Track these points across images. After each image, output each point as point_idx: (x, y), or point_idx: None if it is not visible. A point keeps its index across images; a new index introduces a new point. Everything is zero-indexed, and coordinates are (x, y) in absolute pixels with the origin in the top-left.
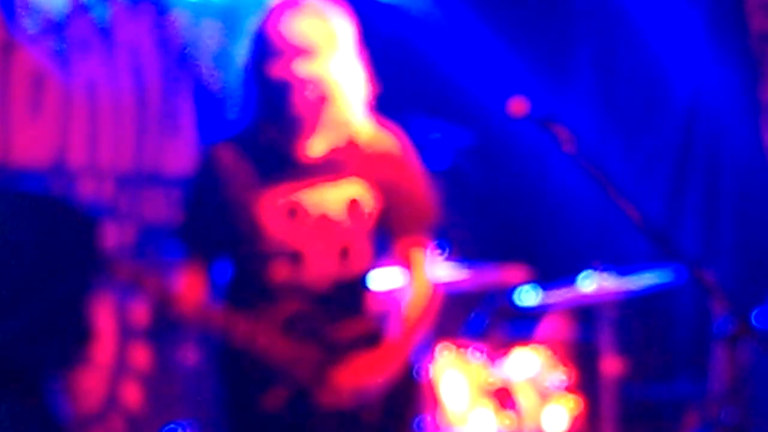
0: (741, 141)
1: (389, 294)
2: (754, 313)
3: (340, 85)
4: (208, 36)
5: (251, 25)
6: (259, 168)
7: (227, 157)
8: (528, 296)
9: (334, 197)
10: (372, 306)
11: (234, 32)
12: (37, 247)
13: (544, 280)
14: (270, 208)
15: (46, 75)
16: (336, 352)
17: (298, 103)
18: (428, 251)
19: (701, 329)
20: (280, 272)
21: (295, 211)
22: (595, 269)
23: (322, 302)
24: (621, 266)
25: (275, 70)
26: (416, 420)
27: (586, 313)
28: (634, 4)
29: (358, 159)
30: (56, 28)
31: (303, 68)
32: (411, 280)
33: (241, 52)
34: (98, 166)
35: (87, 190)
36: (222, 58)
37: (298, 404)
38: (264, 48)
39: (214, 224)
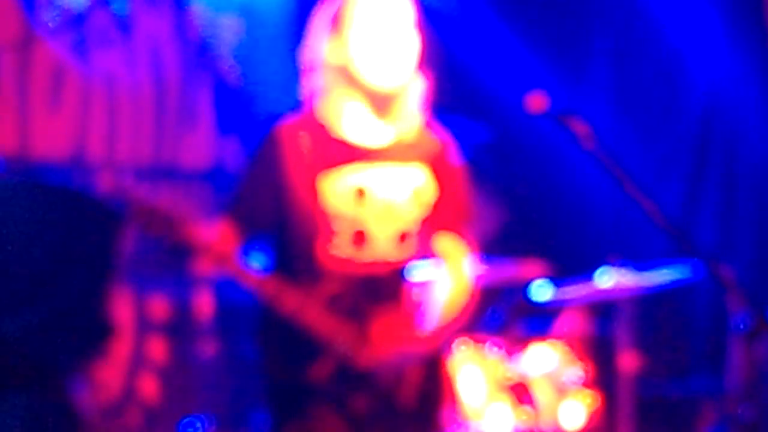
0: (759, 137)
1: (424, 285)
2: None
3: (409, 77)
4: (227, 30)
5: (326, 11)
6: (327, 149)
7: (292, 137)
8: (542, 291)
9: (401, 182)
10: (409, 292)
11: (253, 27)
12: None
13: (562, 275)
14: (337, 189)
15: (66, 68)
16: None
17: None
18: (468, 247)
19: (718, 326)
20: (341, 252)
21: (362, 192)
22: (613, 265)
23: (370, 284)
24: (638, 262)
25: (351, 59)
26: (446, 410)
27: (603, 309)
28: (653, 1)
29: (422, 148)
30: (76, 21)
31: (386, 55)
32: (449, 272)
33: (312, 36)
34: (117, 159)
35: (105, 183)
36: (241, 52)
37: (342, 377)
38: (343, 37)
39: (268, 206)
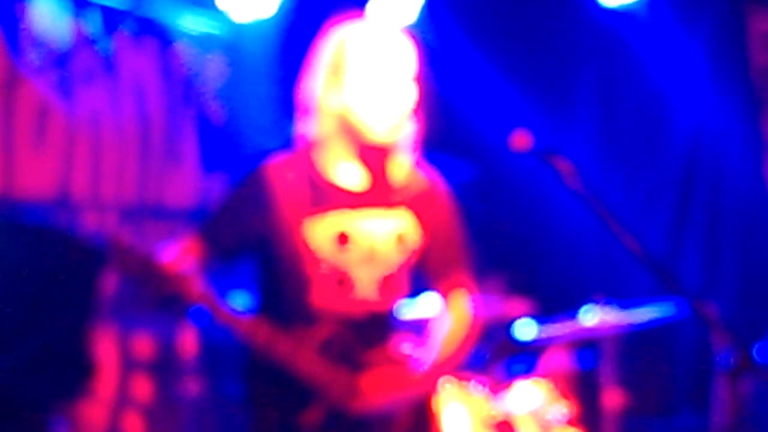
0: (743, 175)
1: (416, 323)
2: (755, 348)
3: (402, 121)
4: (211, 68)
5: (321, 50)
6: (311, 191)
7: (278, 176)
8: (526, 329)
9: (384, 229)
10: (398, 333)
11: (237, 65)
12: (39, 279)
13: (546, 313)
14: (320, 233)
15: (50, 107)
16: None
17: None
18: (469, 289)
19: (702, 363)
20: (323, 296)
21: (345, 238)
22: (597, 302)
23: (357, 328)
24: (622, 300)
25: (345, 104)
26: None
27: (587, 347)
28: (636, 38)
29: (409, 190)
30: (60, 60)
31: (383, 106)
32: (451, 315)
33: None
34: (101, 198)
35: (90, 222)
36: (225, 90)
37: (333, 423)
38: (339, 81)
39: (241, 230)
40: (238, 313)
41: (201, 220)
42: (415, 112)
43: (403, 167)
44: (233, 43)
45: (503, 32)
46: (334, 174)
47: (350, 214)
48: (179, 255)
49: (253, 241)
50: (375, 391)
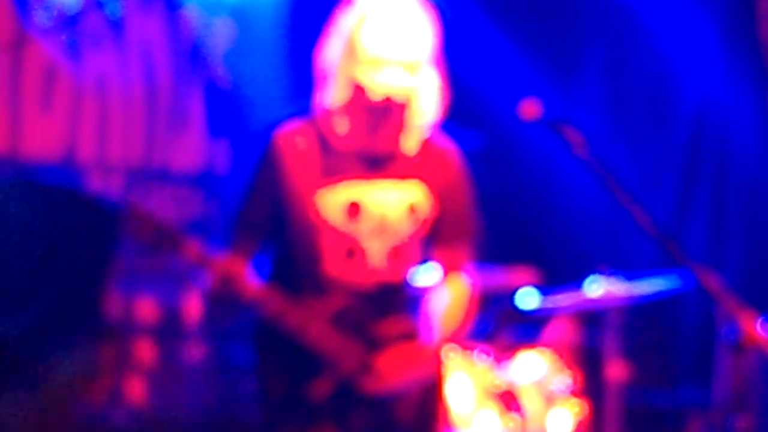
0: (750, 149)
1: (425, 291)
2: (759, 321)
3: (420, 91)
4: (219, 33)
5: (343, 21)
6: (324, 160)
7: (292, 145)
8: (529, 299)
9: (396, 199)
10: (409, 303)
11: (245, 30)
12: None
13: (552, 283)
14: (332, 203)
15: (58, 69)
16: (378, 348)
17: (378, 106)
18: (471, 260)
19: (707, 336)
20: (334, 266)
21: (356, 208)
22: (602, 274)
23: (369, 299)
24: (628, 271)
25: (362, 76)
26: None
27: (592, 318)
28: (646, 10)
29: (422, 164)
30: (69, 22)
31: (395, 79)
32: (452, 286)
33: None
34: (107, 160)
35: (96, 184)
36: (233, 55)
37: (342, 395)
38: (356, 54)
39: (271, 213)
40: (253, 281)
41: (236, 215)
42: (437, 89)
43: (416, 137)
44: (241, 8)
45: (513, 2)
46: (346, 144)
47: (362, 184)
48: (235, 258)
49: (273, 213)
50: (389, 371)
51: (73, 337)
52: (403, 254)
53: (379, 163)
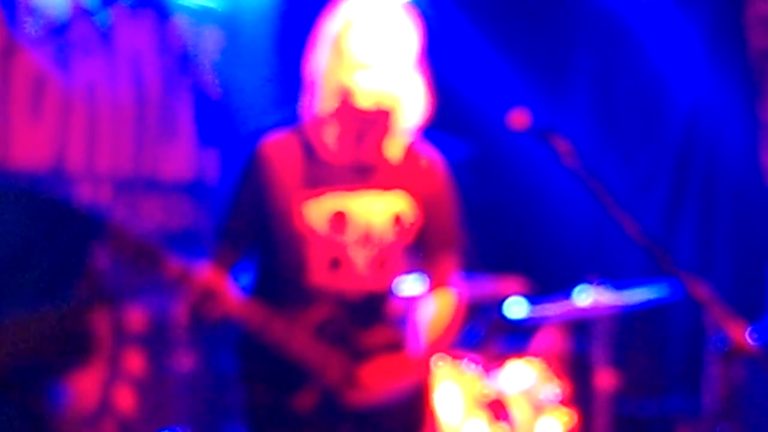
0: (739, 158)
1: (411, 301)
2: (748, 330)
3: (406, 96)
4: (208, 42)
5: (329, 28)
6: (309, 170)
7: (277, 154)
8: (517, 308)
9: (380, 209)
10: (395, 312)
11: (234, 39)
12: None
13: (540, 292)
14: (317, 213)
15: (47, 78)
16: (362, 358)
17: (365, 111)
18: (457, 269)
19: (695, 345)
20: (319, 276)
21: (341, 218)
22: (591, 283)
23: (354, 309)
24: (616, 280)
25: (348, 80)
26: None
27: (581, 327)
28: (634, 19)
29: (406, 173)
30: (57, 31)
31: (382, 84)
32: (439, 296)
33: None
34: (96, 170)
35: (85, 193)
36: (222, 64)
37: (327, 406)
38: (343, 59)
39: (255, 223)
40: (235, 294)
41: (220, 224)
42: (421, 93)
43: (401, 147)
44: (230, 17)
45: (501, 10)
46: (332, 153)
47: (347, 194)
48: (214, 272)
49: (258, 222)
50: (374, 383)
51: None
52: (388, 264)
53: (364, 172)
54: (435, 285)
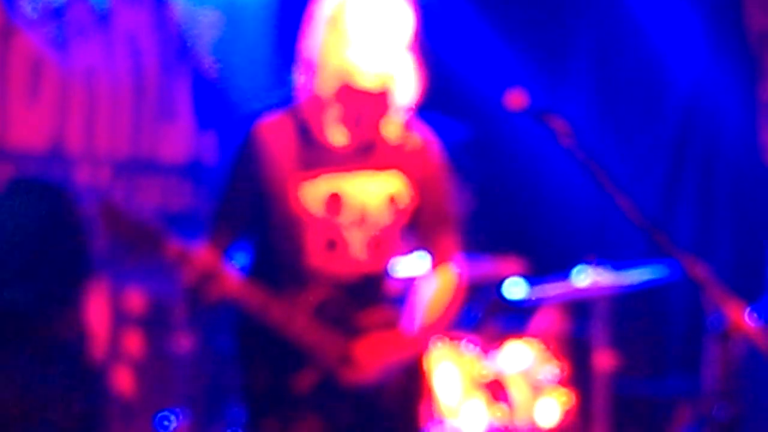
0: (738, 138)
1: (408, 281)
2: (747, 310)
3: (399, 77)
4: (206, 24)
5: (326, 8)
6: (304, 152)
7: (272, 135)
8: (516, 289)
9: (376, 191)
10: (391, 293)
11: (232, 21)
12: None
13: (539, 273)
14: (312, 195)
15: (45, 61)
16: (360, 338)
17: (365, 89)
18: (457, 248)
19: (694, 325)
20: (316, 258)
21: (337, 200)
22: (590, 263)
23: (350, 290)
24: (615, 261)
25: (347, 61)
26: (423, 408)
27: (579, 308)
28: (633, 0)
29: (401, 154)
30: (55, 13)
31: (380, 64)
32: (439, 275)
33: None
34: (95, 152)
35: (83, 176)
36: (220, 46)
37: (325, 387)
38: (341, 38)
39: (250, 205)
40: (234, 276)
41: (215, 206)
42: (413, 71)
43: (396, 128)
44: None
45: None
46: (327, 134)
47: (342, 176)
48: (212, 254)
49: (253, 204)
50: (369, 360)
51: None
52: (384, 245)
53: (359, 153)
54: (436, 264)
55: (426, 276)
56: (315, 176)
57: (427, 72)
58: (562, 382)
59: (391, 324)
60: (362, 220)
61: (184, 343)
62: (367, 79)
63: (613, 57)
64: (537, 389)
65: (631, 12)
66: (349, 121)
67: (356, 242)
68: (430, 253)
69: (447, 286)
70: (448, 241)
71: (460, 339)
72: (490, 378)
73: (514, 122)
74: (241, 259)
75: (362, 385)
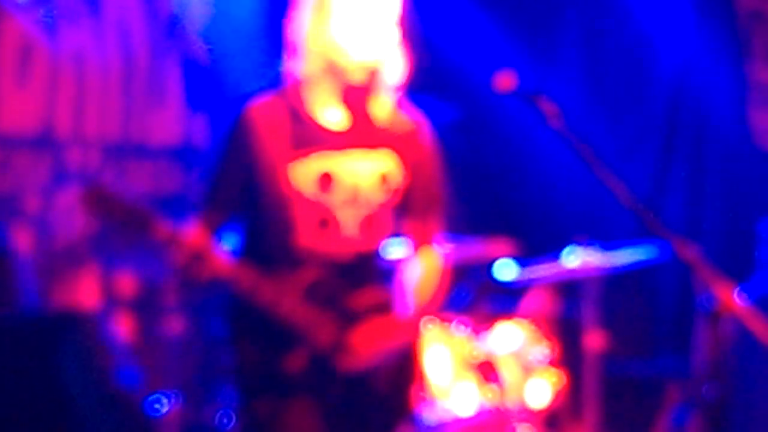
0: (727, 118)
1: (398, 263)
2: (737, 290)
3: (387, 57)
4: (196, 7)
5: None
6: (295, 132)
7: (263, 117)
8: (506, 270)
9: (368, 169)
10: (383, 274)
11: (223, 4)
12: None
13: (529, 254)
14: (304, 174)
15: (35, 44)
16: (352, 320)
17: (352, 69)
18: (440, 230)
19: (684, 305)
20: (307, 237)
21: (328, 179)
22: (580, 244)
23: (342, 271)
24: (605, 242)
25: (333, 41)
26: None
27: (570, 288)
28: None
29: (392, 134)
30: None
31: (367, 44)
32: (424, 258)
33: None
34: (85, 135)
35: (73, 159)
36: (210, 29)
37: (317, 368)
38: (327, 19)
39: (242, 185)
40: (224, 257)
41: (206, 187)
42: (399, 51)
43: (386, 108)
44: None
45: None
46: (318, 114)
47: (333, 155)
48: (201, 235)
49: (245, 185)
50: (364, 347)
51: None
52: (376, 224)
53: (350, 133)
54: (418, 246)
55: (410, 259)
56: (306, 155)
57: (415, 53)
58: (552, 363)
59: (383, 305)
60: (354, 199)
61: (175, 325)
62: (353, 60)
63: (602, 37)
64: (527, 370)
65: None
66: (338, 101)
67: (348, 221)
68: (415, 234)
69: (434, 268)
70: (434, 224)
71: (450, 320)
72: (481, 359)
73: (504, 103)
74: (232, 240)
75: (355, 369)
